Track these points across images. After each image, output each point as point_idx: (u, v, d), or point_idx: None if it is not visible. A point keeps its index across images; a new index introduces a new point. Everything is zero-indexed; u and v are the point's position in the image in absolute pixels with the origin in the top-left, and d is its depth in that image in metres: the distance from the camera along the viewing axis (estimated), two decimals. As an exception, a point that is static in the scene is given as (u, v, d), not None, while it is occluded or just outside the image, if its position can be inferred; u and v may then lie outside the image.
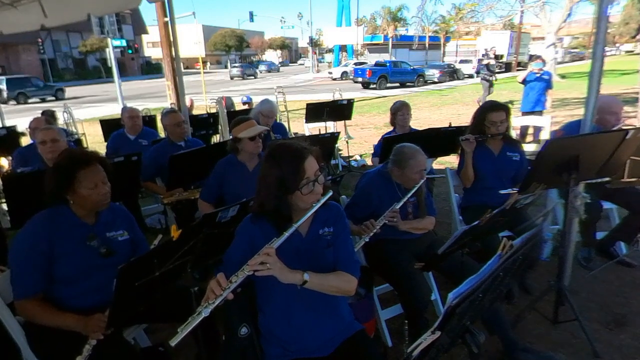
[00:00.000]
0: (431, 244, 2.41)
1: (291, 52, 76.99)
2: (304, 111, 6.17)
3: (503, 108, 2.78)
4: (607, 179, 2.36)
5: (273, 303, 1.54)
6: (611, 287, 2.83)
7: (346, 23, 39.94)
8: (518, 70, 24.19)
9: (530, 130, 6.62)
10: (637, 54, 37.33)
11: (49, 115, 5.14)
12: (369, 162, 6.41)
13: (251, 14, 41.22)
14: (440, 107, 13.28)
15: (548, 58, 13.50)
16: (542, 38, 21.70)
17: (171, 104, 7.79)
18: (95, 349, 1.56)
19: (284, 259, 1.37)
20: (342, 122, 6.54)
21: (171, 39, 4.37)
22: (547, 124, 5.10)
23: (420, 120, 9.77)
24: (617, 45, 54.33)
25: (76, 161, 1.73)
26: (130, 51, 29.71)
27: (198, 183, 3.18)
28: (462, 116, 10.42)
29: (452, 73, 25.62)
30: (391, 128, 4.18)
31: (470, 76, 25.72)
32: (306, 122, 6.14)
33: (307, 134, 6.04)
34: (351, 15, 40.80)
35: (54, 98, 23.10)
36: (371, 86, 21.93)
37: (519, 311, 2.46)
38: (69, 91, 25.61)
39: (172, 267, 1.60)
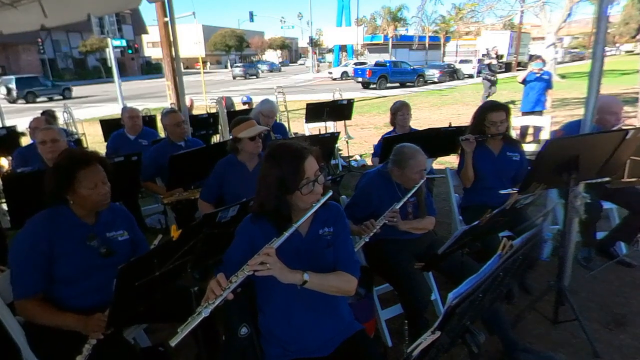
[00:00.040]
0: (431, 244, 2.41)
1: (291, 52, 76.94)
2: (304, 111, 6.16)
3: (503, 108, 2.79)
4: (607, 179, 2.36)
5: (273, 303, 1.54)
6: (611, 287, 2.83)
7: (346, 23, 39.92)
8: (518, 70, 24.18)
9: (530, 130, 6.61)
10: (637, 54, 37.31)
11: (49, 115, 5.13)
12: (369, 162, 6.41)
13: (251, 14, 41.24)
14: (440, 107, 13.27)
15: (548, 58, 13.49)
16: (542, 38, 21.69)
17: (171, 104, 7.78)
18: (95, 349, 1.56)
19: (284, 259, 1.37)
20: (342, 122, 6.53)
21: (171, 39, 4.37)
22: (547, 124, 5.10)
23: (420, 120, 9.76)
24: (617, 45, 54.31)
25: (76, 161, 1.73)
26: (130, 51, 29.73)
27: (198, 183, 3.18)
28: (462, 116, 10.41)
29: (452, 73, 25.60)
30: (391, 128, 4.18)
31: (471, 76, 25.72)
32: (306, 122, 6.14)
33: (307, 134, 6.03)
34: (351, 15, 40.89)
35: (61, 97, 23.27)
36: (371, 86, 21.93)
37: (519, 311, 2.46)
38: (69, 91, 25.67)
39: (172, 267, 1.60)
